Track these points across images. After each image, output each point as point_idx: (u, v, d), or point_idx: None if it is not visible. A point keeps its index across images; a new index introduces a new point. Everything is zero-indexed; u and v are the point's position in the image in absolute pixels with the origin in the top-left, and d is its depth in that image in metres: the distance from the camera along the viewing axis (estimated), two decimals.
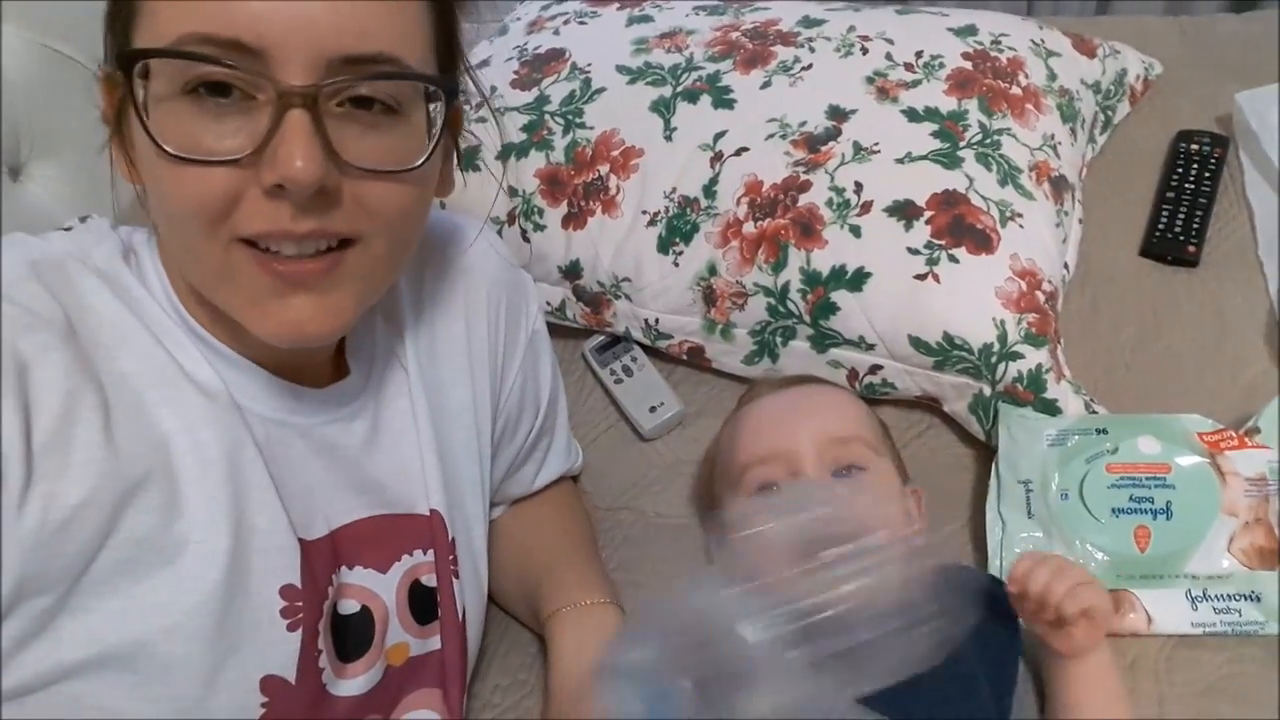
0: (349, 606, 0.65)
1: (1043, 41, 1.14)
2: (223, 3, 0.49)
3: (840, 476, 0.76)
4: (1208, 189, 1.11)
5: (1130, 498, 0.82)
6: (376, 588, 0.67)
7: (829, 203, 0.96)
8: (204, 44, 0.49)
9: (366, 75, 0.52)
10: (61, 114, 1.18)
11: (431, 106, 0.57)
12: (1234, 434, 0.84)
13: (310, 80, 0.50)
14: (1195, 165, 1.13)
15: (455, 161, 0.66)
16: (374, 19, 0.52)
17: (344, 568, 0.65)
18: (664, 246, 1.01)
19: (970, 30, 1.12)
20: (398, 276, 0.66)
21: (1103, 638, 0.70)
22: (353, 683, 0.65)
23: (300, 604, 0.60)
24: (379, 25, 0.52)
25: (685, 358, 1.06)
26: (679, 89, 1.08)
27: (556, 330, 0.93)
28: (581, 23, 1.23)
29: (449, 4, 0.59)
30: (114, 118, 0.56)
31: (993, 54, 1.09)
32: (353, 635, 0.65)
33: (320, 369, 0.66)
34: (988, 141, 1.00)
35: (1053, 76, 1.10)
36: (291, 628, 0.59)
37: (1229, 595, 0.78)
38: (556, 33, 1.21)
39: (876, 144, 0.99)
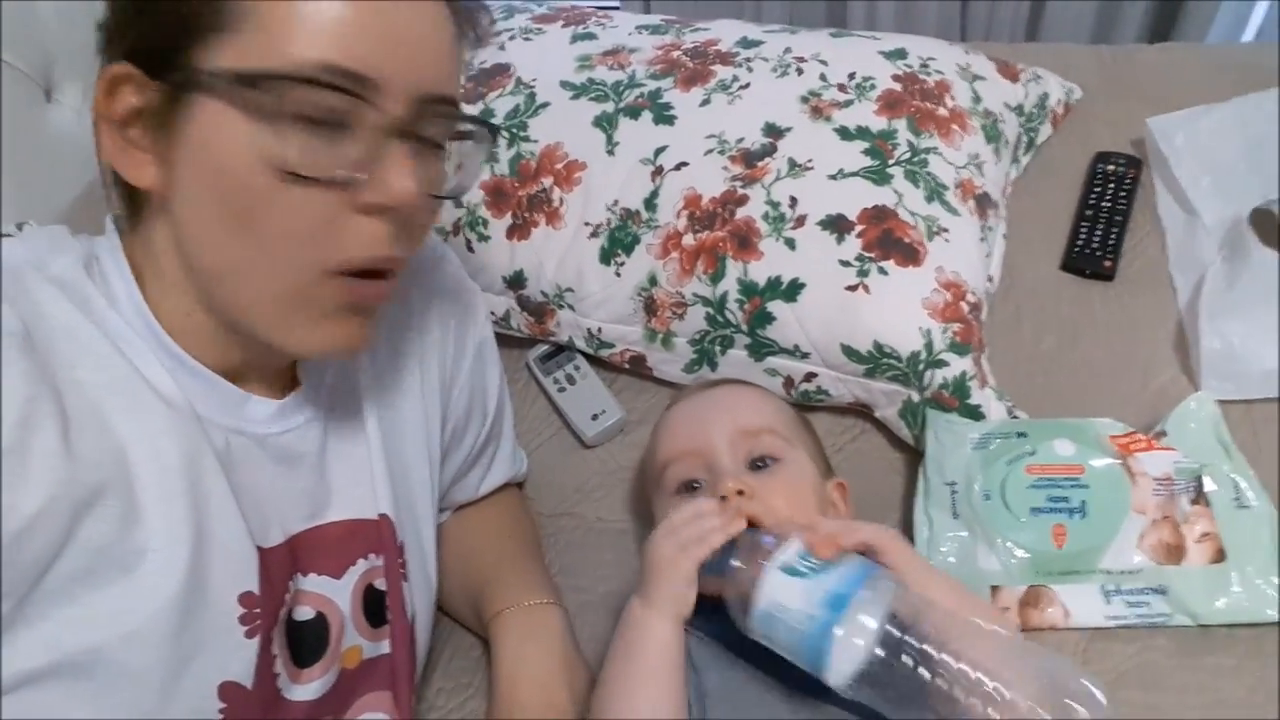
0: (305, 613, 0.66)
1: (969, 66, 1.19)
2: (347, 33, 0.51)
3: (756, 468, 0.78)
4: (1123, 208, 1.16)
5: (1048, 498, 0.85)
6: (331, 593, 0.68)
7: (765, 216, 0.99)
8: (325, 72, 0.51)
9: (456, 117, 0.59)
10: (92, 34, 1.18)
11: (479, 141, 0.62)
12: (1143, 437, 0.89)
13: (406, 110, 0.54)
14: (1112, 185, 1.19)
15: None
16: (449, 62, 0.57)
17: (300, 574, 0.66)
18: (606, 258, 1.03)
19: (900, 54, 1.16)
20: None
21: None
22: (308, 687, 0.65)
23: (258, 610, 0.60)
24: (451, 67, 0.57)
25: (627, 366, 1.08)
26: (621, 105, 1.10)
27: (501, 340, 0.94)
28: (527, 39, 1.25)
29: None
30: (124, 117, 0.55)
31: (921, 77, 1.13)
32: (308, 642, 0.66)
33: (277, 379, 0.67)
34: (916, 160, 1.04)
35: (978, 99, 1.15)
36: (249, 634, 0.59)
37: (1139, 589, 0.82)
38: (502, 48, 1.23)
39: (810, 160, 1.02)
